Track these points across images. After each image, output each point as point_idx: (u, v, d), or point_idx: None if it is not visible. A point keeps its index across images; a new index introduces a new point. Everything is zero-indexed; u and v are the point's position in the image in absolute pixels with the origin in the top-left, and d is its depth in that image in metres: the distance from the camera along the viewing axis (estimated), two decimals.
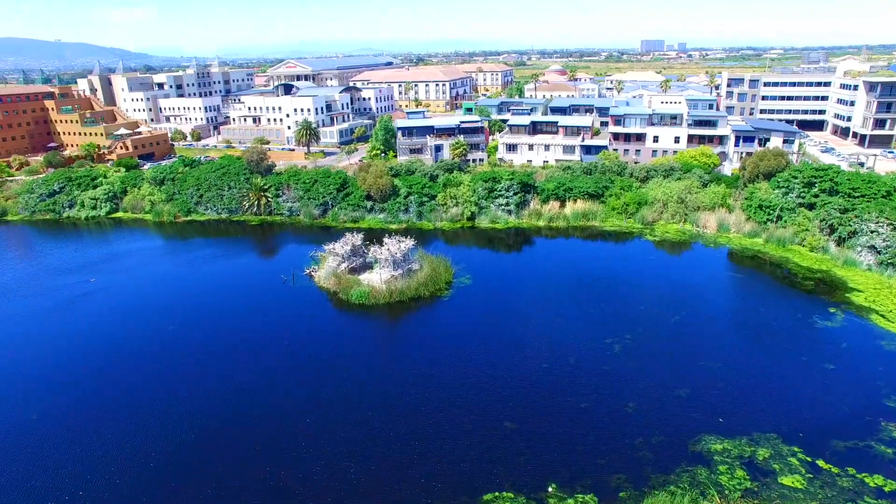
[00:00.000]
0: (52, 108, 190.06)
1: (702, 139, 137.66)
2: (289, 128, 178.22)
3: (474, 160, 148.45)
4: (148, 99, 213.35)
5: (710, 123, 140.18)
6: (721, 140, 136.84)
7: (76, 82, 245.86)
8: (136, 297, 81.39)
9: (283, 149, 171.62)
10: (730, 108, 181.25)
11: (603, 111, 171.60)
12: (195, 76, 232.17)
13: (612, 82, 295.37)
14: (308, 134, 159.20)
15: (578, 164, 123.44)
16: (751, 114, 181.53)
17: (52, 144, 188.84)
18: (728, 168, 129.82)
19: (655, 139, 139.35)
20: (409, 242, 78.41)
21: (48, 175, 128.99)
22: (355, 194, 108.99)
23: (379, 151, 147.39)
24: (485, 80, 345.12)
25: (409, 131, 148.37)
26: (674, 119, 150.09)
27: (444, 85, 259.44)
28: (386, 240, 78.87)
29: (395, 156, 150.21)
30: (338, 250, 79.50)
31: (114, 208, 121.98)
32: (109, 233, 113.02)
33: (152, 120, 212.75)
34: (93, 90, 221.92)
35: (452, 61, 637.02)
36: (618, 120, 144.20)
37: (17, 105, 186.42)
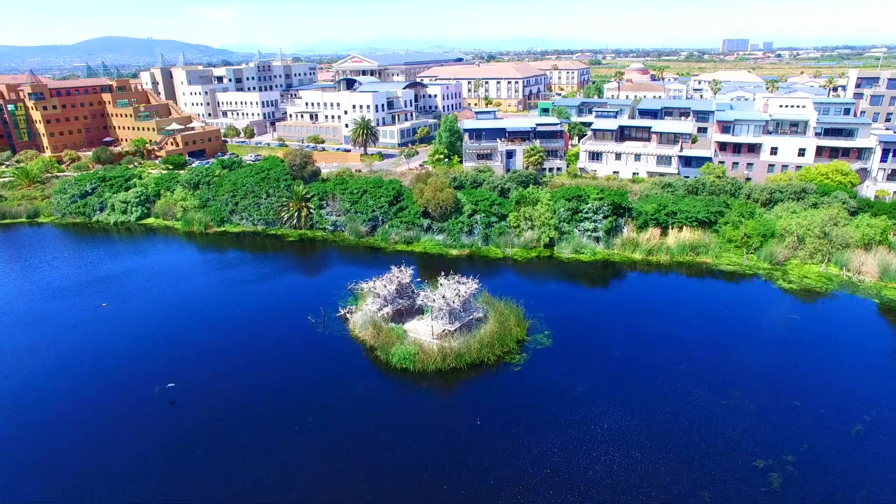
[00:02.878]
0: (109, 102, 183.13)
1: (834, 152, 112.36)
2: (346, 126, 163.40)
3: (551, 169, 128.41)
4: (206, 93, 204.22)
5: (845, 132, 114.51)
6: (860, 153, 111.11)
7: (138, 76, 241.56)
8: (137, 330, 66.78)
9: (338, 149, 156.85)
10: (861, 114, 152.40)
11: (701, 115, 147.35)
12: (255, 69, 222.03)
13: (700, 82, 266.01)
14: (365, 134, 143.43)
15: (680, 181, 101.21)
16: (887, 120, 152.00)
17: (107, 139, 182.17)
18: (871, 189, 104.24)
19: (774, 151, 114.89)
20: (471, 286, 59.93)
21: (82, 175, 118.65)
22: (410, 209, 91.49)
23: (442, 156, 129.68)
24: (560, 78, 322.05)
25: (477, 134, 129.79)
26: (794, 126, 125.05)
27: (516, 83, 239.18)
28: (442, 281, 60.72)
29: (461, 161, 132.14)
30: (379, 290, 61.96)
31: (145, 213, 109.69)
32: (134, 242, 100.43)
33: (210, 115, 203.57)
34: (154, 83, 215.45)
35: (524, 59, 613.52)
36: (726, 127, 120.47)
37: (74, 98, 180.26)
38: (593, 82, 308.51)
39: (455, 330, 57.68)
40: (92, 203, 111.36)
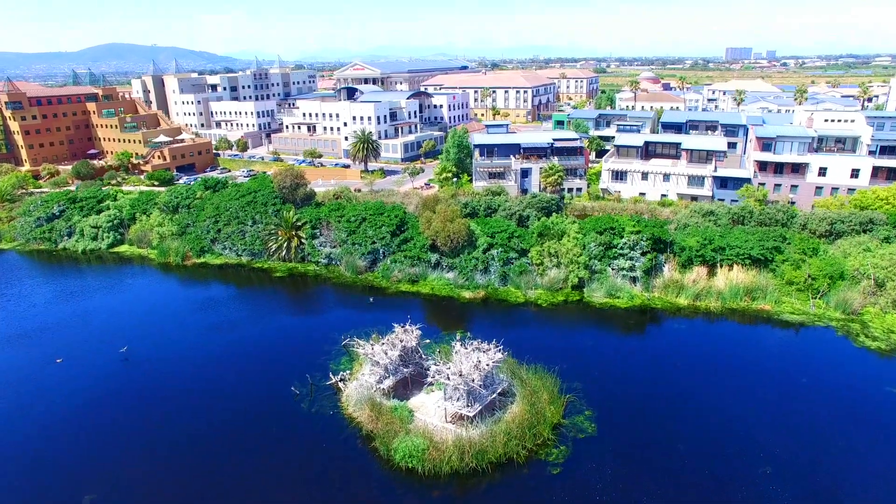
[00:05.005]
0: (94, 112, 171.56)
1: (892, 173, 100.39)
2: (346, 139, 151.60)
3: (570, 190, 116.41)
4: (198, 102, 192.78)
5: None
6: None
7: (130, 83, 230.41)
8: (87, 393, 54.58)
9: (336, 164, 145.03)
10: None
11: (730, 129, 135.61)
12: (252, 77, 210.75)
13: (714, 92, 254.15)
14: (365, 148, 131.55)
15: (723, 208, 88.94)
16: None
17: (92, 151, 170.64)
18: None
19: (822, 171, 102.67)
20: (494, 354, 47.61)
21: (49, 195, 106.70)
22: (416, 242, 79.28)
23: (450, 174, 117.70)
24: (568, 87, 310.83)
25: (488, 150, 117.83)
26: (841, 143, 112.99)
27: (525, 92, 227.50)
28: (457, 348, 48.41)
29: (470, 180, 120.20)
30: (379, 357, 49.66)
31: (118, 239, 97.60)
32: (101, 275, 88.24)
33: (203, 125, 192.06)
34: (145, 91, 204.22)
35: (529, 67, 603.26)
36: (766, 144, 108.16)
37: (56, 107, 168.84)
38: (603, 91, 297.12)
39: (475, 412, 45.39)
40: (59, 227, 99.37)
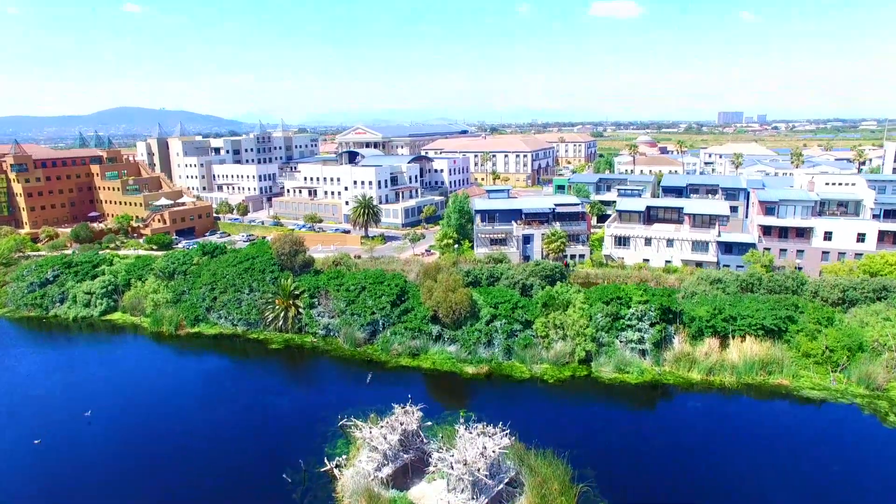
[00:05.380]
0: (97, 174, 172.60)
1: None
2: (346, 203, 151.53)
3: (573, 256, 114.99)
4: (201, 165, 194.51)
5: None
6: None
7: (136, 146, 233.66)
8: (69, 478, 50.82)
9: (337, 229, 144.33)
10: None
11: (730, 193, 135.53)
12: (254, 140, 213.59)
13: (710, 155, 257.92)
14: (366, 214, 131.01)
15: (731, 275, 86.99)
16: None
17: (92, 214, 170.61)
18: None
19: (827, 236, 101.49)
20: (500, 439, 44.44)
21: (44, 259, 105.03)
22: (417, 313, 76.84)
23: (451, 241, 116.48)
24: (567, 151, 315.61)
25: (489, 215, 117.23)
26: (843, 207, 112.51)
27: (525, 156, 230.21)
28: (461, 433, 45.27)
29: (472, 246, 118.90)
30: (377, 442, 46.40)
31: (111, 306, 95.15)
32: (90, 345, 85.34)
33: (204, 188, 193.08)
34: (150, 154, 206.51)
35: (527, 131, 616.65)
36: (769, 208, 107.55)
37: (60, 170, 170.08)
38: (601, 155, 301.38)
39: None
40: (52, 293, 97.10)
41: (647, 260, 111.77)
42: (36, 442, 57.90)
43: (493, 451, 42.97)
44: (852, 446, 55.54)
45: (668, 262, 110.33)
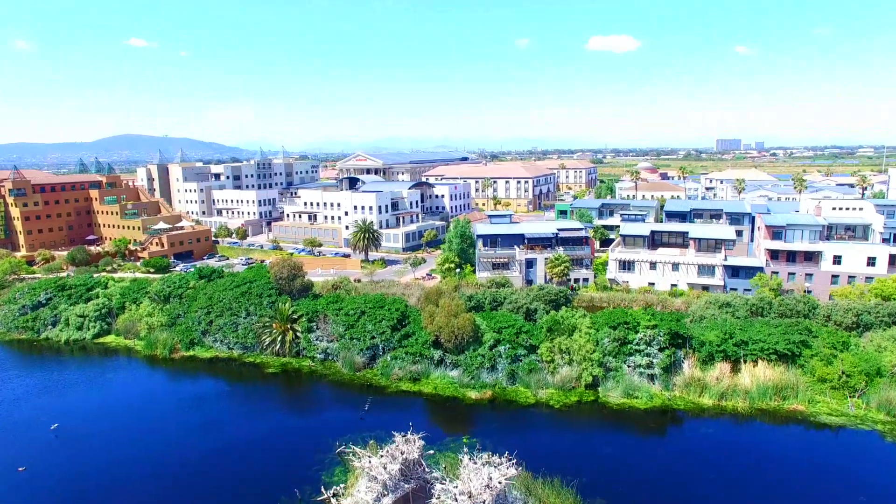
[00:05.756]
0: (96, 199, 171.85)
1: None
2: (347, 228, 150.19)
3: (576, 280, 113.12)
4: (201, 190, 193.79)
5: None
6: None
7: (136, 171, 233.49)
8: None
9: (336, 253, 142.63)
10: None
11: (734, 217, 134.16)
12: (255, 167, 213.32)
13: (711, 181, 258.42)
14: (366, 238, 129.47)
15: (740, 299, 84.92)
16: None
17: (90, 237, 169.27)
18: None
19: (837, 260, 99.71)
20: (507, 470, 41.94)
21: (37, 282, 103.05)
22: (418, 337, 74.63)
23: (453, 265, 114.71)
24: (567, 177, 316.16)
25: (492, 240, 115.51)
26: (851, 231, 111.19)
27: (526, 182, 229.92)
28: (465, 463, 42.80)
29: (474, 271, 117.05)
30: (377, 472, 43.86)
31: (104, 329, 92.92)
32: (81, 368, 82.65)
33: (204, 213, 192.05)
34: (150, 180, 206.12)
35: (527, 158, 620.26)
36: (776, 233, 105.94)
37: (59, 195, 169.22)
38: (602, 181, 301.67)
39: None
40: (44, 316, 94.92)
41: (652, 284, 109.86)
42: (20, 469, 55.25)
43: (499, 482, 40.48)
44: (875, 474, 52.85)
45: (674, 285, 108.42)
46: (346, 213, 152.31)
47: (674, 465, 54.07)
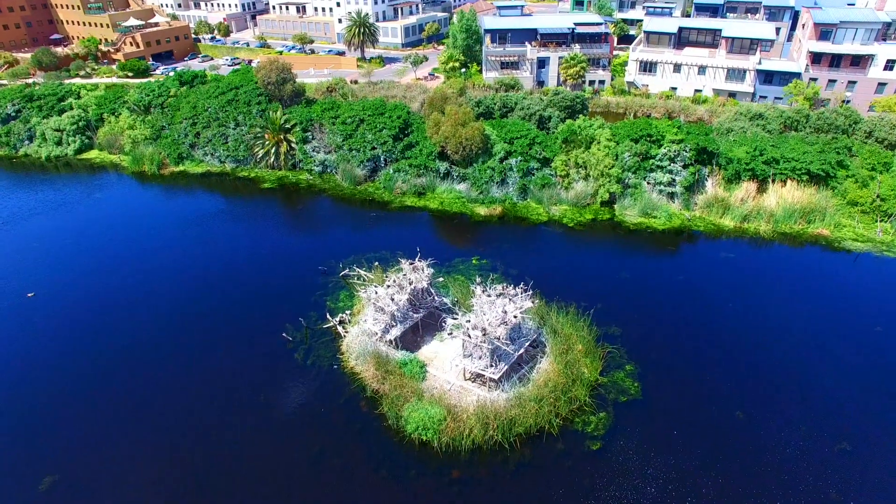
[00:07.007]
0: None
1: None
2: (339, 21, 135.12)
3: (591, 82, 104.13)
4: None
5: None
6: None
7: None
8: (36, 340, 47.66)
9: (330, 51, 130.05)
10: None
11: (773, 12, 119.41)
12: None
13: None
14: (361, 33, 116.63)
15: (774, 111, 77.33)
16: None
17: (55, 36, 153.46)
18: None
19: (889, 65, 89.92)
20: (523, 303, 39.66)
21: (2, 91, 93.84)
22: (422, 147, 69.03)
23: (457, 64, 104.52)
24: None
25: (500, 35, 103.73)
26: None
27: None
28: (478, 293, 40.34)
29: (480, 70, 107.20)
30: (384, 303, 41.72)
31: (86, 144, 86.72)
32: (67, 186, 77.96)
33: (179, 5, 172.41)
34: None
35: None
36: (825, 31, 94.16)
37: None
38: None
39: (502, 372, 38.24)
40: (17, 130, 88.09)
41: (674, 88, 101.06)
42: (29, 295, 53.88)
43: (515, 316, 38.33)
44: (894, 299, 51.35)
45: (697, 91, 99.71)
46: (338, 4, 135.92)
47: (692, 291, 52.30)
